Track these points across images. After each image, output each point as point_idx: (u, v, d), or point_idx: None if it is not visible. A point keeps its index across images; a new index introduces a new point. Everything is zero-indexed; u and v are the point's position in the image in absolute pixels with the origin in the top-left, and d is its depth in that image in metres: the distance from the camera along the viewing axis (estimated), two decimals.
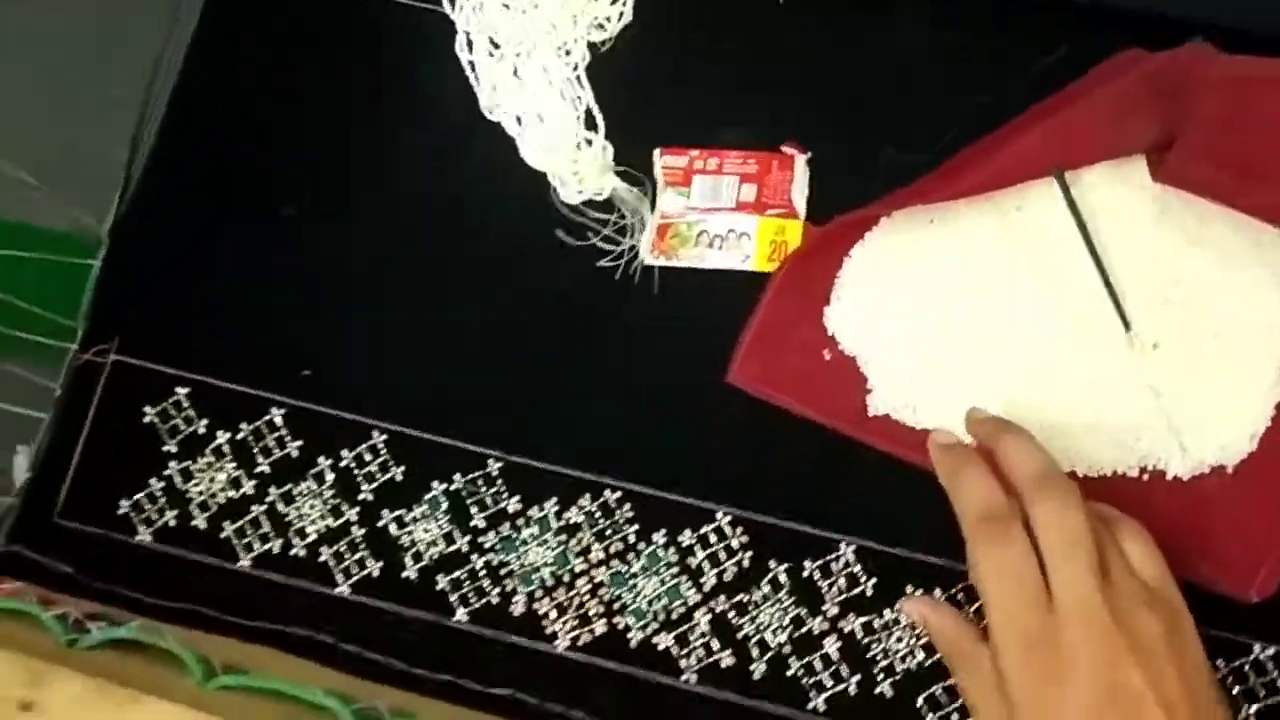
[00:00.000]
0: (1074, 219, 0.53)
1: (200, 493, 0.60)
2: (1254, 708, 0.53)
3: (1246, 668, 0.53)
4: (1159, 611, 0.46)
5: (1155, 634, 0.45)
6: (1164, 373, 0.53)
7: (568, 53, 0.61)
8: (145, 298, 0.63)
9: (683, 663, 0.56)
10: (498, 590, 0.58)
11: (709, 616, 0.56)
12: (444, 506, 0.59)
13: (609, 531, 0.58)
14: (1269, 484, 0.52)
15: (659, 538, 0.57)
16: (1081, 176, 0.54)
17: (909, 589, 0.55)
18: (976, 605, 0.53)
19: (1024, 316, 0.55)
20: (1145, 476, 0.54)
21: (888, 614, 0.55)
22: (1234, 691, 0.53)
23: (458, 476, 0.59)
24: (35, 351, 0.64)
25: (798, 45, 0.61)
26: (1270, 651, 0.53)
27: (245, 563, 0.59)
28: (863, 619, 0.56)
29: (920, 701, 0.55)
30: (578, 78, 0.60)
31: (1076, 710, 0.44)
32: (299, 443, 0.60)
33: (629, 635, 0.57)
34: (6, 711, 0.59)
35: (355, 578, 0.59)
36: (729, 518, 0.57)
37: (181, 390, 0.61)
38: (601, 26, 0.61)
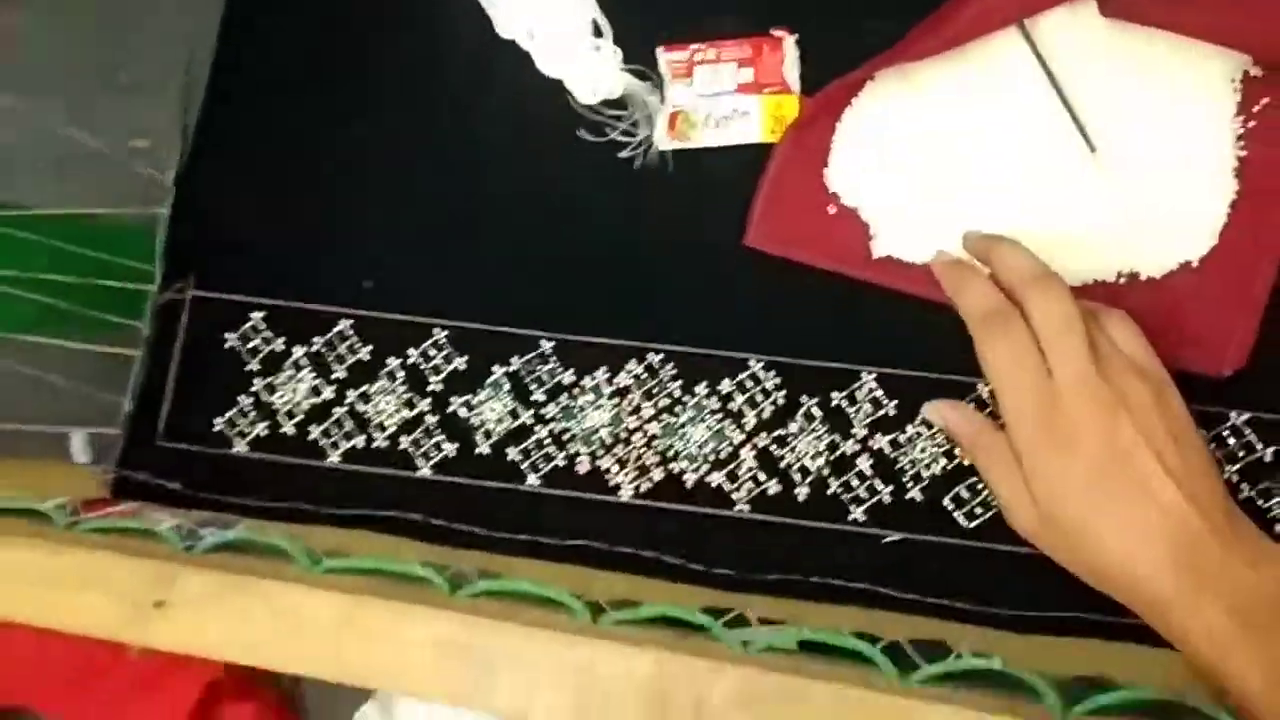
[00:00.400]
0: (1036, 60, 0.59)
1: (285, 403, 0.66)
2: (1235, 468, 0.59)
3: (1225, 433, 0.59)
4: (1145, 379, 0.52)
5: (1144, 397, 0.51)
6: (1129, 186, 0.59)
7: None
8: (213, 236, 0.68)
9: (734, 495, 0.62)
10: (563, 454, 0.64)
11: (753, 452, 0.62)
12: (506, 387, 0.64)
13: (655, 389, 0.63)
14: (1229, 273, 0.58)
15: (701, 389, 0.63)
16: (1040, 22, 0.59)
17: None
18: (988, 410, 0.59)
19: (1001, 152, 0.60)
20: (1122, 280, 0.59)
21: (910, 429, 0.61)
22: (1218, 455, 0.59)
23: (515, 359, 0.65)
24: (122, 297, 0.70)
25: None
26: (1245, 417, 0.59)
27: (334, 459, 0.65)
28: (889, 436, 0.62)
29: (947, 501, 0.61)
30: None
31: (1082, 466, 0.51)
32: (369, 347, 0.66)
33: (684, 478, 0.63)
34: (143, 611, 0.65)
35: (434, 460, 0.64)
36: (761, 364, 0.63)
37: (256, 315, 0.67)
38: None
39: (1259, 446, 0.58)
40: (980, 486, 0.60)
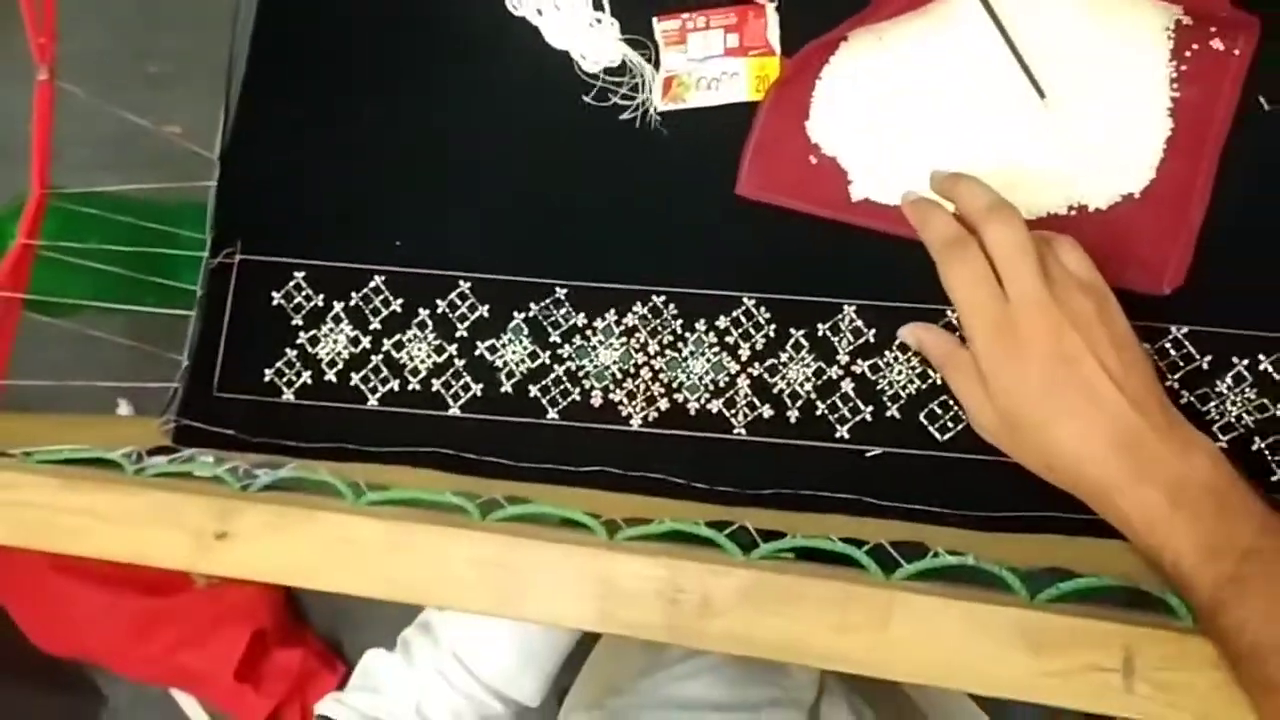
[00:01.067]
0: (989, 14, 0.64)
1: (327, 353, 0.73)
2: (1176, 376, 0.65)
3: (1167, 345, 0.65)
4: (1090, 295, 0.58)
5: (1089, 311, 0.57)
6: (1075, 127, 0.65)
7: None
8: (258, 205, 0.74)
9: (733, 420, 0.68)
10: (578, 390, 0.70)
11: (748, 381, 0.68)
12: (525, 331, 0.71)
13: (660, 328, 0.70)
14: (1167, 202, 0.64)
15: (700, 325, 0.69)
16: None
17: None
18: (956, 333, 0.66)
19: (960, 100, 0.66)
20: (1073, 212, 0.65)
21: (888, 354, 0.67)
22: (1161, 366, 0.65)
23: (533, 305, 0.71)
24: (178, 264, 0.77)
25: None
26: (1184, 330, 0.65)
27: (373, 403, 0.72)
28: (869, 361, 0.68)
29: (921, 417, 0.67)
30: None
31: (1034, 371, 0.57)
32: (400, 300, 0.72)
33: (688, 406, 0.69)
34: (205, 541, 0.71)
35: (463, 400, 0.71)
36: (753, 300, 0.69)
37: (299, 274, 0.73)
38: None
39: (1197, 356, 0.64)
40: (951, 403, 0.66)
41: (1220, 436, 0.64)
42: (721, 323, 0.69)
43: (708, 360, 0.69)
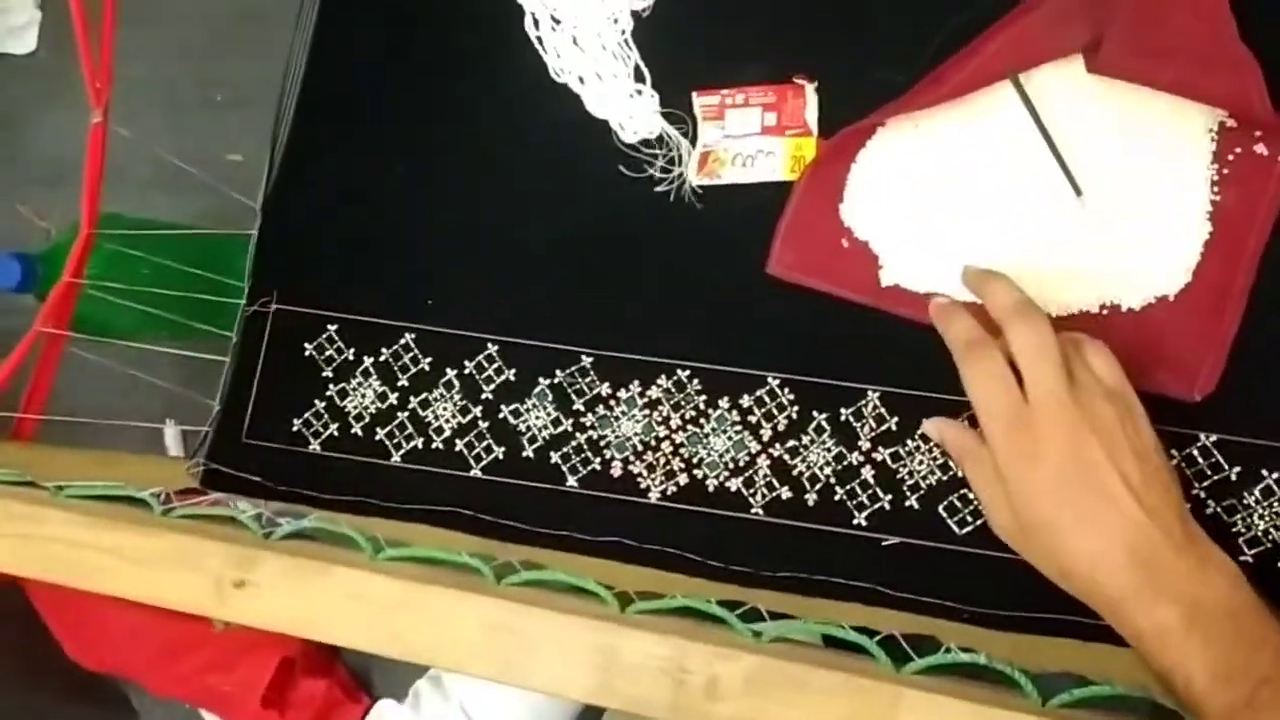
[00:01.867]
0: (1028, 110, 0.64)
1: (355, 407, 0.73)
2: (1203, 485, 0.63)
3: (1195, 453, 0.64)
4: (1115, 403, 0.57)
5: (1112, 419, 0.56)
6: (1112, 226, 0.64)
7: (615, 20, 0.72)
8: (295, 257, 0.76)
9: (751, 500, 0.68)
10: (599, 459, 0.70)
11: (768, 461, 0.68)
12: (550, 397, 0.71)
13: (683, 402, 0.70)
14: (1202, 307, 0.63)
15: (723, 403, 0.69)
16: (1033, 76, 0.64)
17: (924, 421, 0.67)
18: (979, 429, 0.65)
19: (996, 193, 0.65)
20: (1105, 311, 0.65)
21: (910, 443, 0.67)
22: (1187, 473, 0.64)
23: (558, 372, 0.71)
24: (215, 309, 0.78)
25: None
26: (1214, 439, 0.63)
27: (396, 459, 0.72)
28: (890, 449, 0.67)
29: (940, 509, 0.66)
30: (625, 40, 0.72)
31: (1050, 478, 0.56)
32: (429, 359, 0.73)
33: (706, 483, 0.69)
34: (225, 590, 0.72)
35: (485, 461, 0.71)
36: (778, 380, 0.69)
37: (332, 327, 0.74)
38: None
39: (1225, 466, 0.63)
40: (971, 497, 0.65)
41: (1246, 550, 0.62)
42: (745, 401, 0.69)
43: (729, 438, 0.69)
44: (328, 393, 0.74)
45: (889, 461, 0.67)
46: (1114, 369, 0.59)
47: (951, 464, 0.66)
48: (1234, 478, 0.63)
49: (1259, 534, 0.62)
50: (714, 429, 0.69)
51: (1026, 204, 0.65)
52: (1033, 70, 0.64)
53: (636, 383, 0.70)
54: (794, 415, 0.68)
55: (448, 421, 0.72)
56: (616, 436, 0.70)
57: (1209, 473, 0.63)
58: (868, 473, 0.67)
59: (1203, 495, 0.63)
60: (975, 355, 0.59)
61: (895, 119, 0.67)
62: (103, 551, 0.74)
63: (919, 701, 0.62)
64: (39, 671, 1.59)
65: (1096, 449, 0.55)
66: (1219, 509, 0.63)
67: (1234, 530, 0.63)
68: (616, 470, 0.70)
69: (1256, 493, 0.63)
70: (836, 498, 0.67)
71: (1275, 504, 0.62)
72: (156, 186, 1.50)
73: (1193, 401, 0.63)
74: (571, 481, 0.70)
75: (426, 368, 0.73)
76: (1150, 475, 0.56)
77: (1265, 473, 0.63)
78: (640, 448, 0.70)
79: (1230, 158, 0.63)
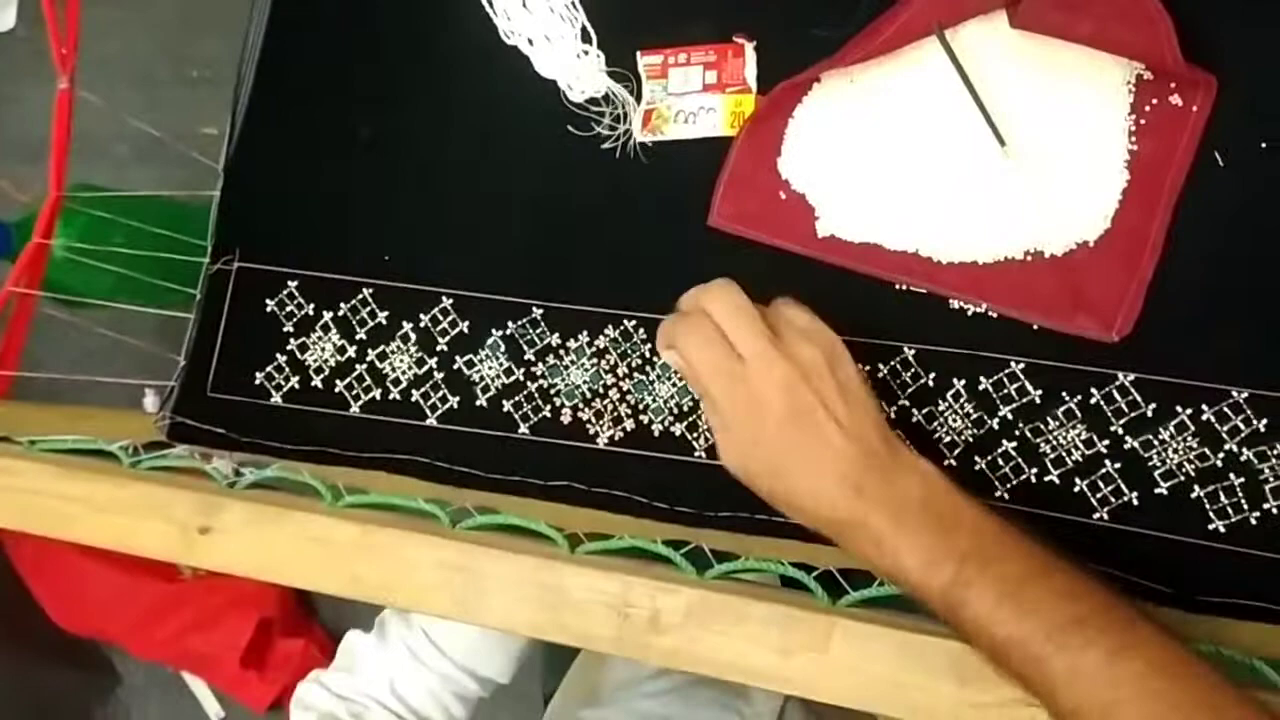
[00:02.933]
0: (953, 65, 0.66)
1: (315, 360, 0.76)
2: (1121, 423, 0.66)
3: (1113, 391, 0.66)
4: (816, 341, 0.61)
5: (817, 359, 0.60)
6: (1036, 176, 0.66)
7: None
8: (257, 215, 0.78)
9: (695, 444, 0.71)
10: (549, 407, 0.73)
11: None
12: (502, 348, 0.73)
13: (629, 351, 0.72)
14: (1120, 251, 0.66)
15: None
16: (959, 32, 0.66)
17: None
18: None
19: (924, 144, 0.68)
20: (1029, 258, 0.67)
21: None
22: (1107, 411, 0.66)
23: (510, 323, 0.73)
24: (183, 269, 0.80)
25: None
26: (1131, 378, 0.66)
27: (355, 410, 0.75)
28: None
29: None
30: (573, 2, 0.74)
31: (771, 427, 0.59)
32: (386, 313, 0.75)
33: (652, 427, 0.71)
34: (190, 535, 0.75)
35: (440, 411, 0.74)
36: None
37: (292, 283, 0.76)
38: None
39: (1142, 403, 0.66)
40: None
41: (1162, 484, 0.65)
42: None
43: (673, 384, 0.71)
44: (288, 347, 0.76)
45: None
46: (807, 314, 0.62)
47: None
48: (1150, 414, 0.65)
49: (1173, 468, 0.65)
50: (659, 376, 0.72)
51: (954, 155, 0.68)
52: (959, 26, 0.66)
53: (585, 333, 0.73)
54: None
55: (404, 373, 0.74)
56: (566, 385, 0.72)
57: (1126, 410, 0.66)
58: None
59: (1120, 432, 0.66)
60: (682, 324, 0.62)
61: (830, 74, 0.69)
62: (73, 501, 0.76)
63: (851, 630, 0.66)
64: (22, 636, 1.63)
65: (807, 393, 0.59)
66: (1136, 444, 0.65)
67: (1150, 464, 0.65)
68: (566, 417, 0.72)
69: (1171, 428, 0.65)
70: None
71: (1189, 439, 0.65)
72: (133, 162, 1.53)
73: (1111, 342, 0.66)
74: (523, 429, 0.73)
75: (384, 321, 0.75)
76: (854, 404, 0.60)
77: (1179, 408, 0.65)
78: (589, 395, 0.72)
79: (1147, 109, 0.66)
